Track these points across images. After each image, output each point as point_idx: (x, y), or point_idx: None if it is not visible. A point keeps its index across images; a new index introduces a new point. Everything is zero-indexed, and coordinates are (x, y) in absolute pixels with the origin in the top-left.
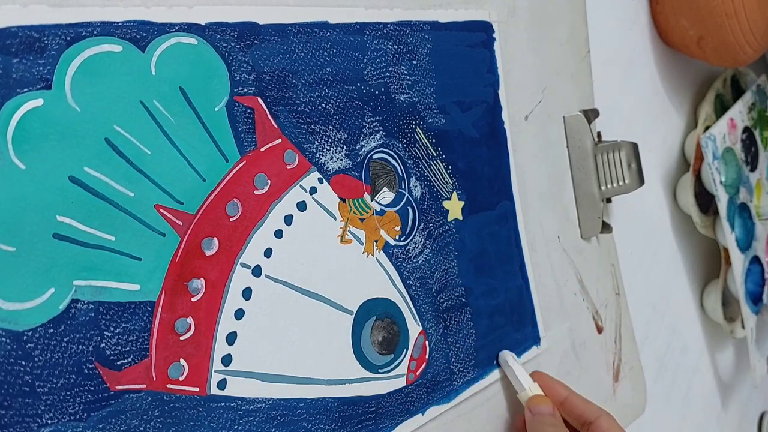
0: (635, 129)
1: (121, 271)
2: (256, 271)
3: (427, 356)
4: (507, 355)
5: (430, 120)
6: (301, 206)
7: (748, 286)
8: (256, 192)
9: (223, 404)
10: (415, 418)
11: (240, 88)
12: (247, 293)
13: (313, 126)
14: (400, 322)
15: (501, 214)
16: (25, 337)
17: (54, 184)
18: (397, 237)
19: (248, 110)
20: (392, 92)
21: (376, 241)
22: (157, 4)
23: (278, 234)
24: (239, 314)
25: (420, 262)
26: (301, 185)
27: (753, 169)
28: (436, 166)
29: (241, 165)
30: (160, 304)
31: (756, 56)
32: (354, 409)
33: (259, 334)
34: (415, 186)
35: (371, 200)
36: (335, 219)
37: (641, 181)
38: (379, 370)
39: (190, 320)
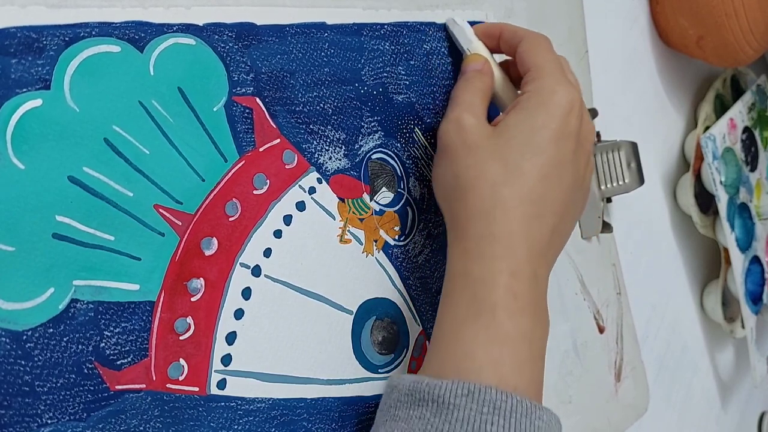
0: (635, 129)
1: (120, 271)
2: (256, 271)
3: None
4: (453, 18)
5: (428, 120)
6: (301, 206)
7: (748, 286)
8: (255, 192)
9: (222, 404)
10: None
11: (238, 89)
12: (246, 293)
13: (311, 126)
14: (400, 321)
15: None
16: (24, 337)
17: (53, 184)
18: (396, 237)
19: (247, 110)
20: (390, 92)
21: (376, 241)
22: (155, 5)
23: (277, 234)
24: (239, 314)
25: (420, 261)
26: (300, 185)
27: (753, 169)
28: None
29: (240, 165)
30: (160, 304)
31: (756, 56)
32: (354, 409)
33: (258, 334)
34: (414, 186)
35: (370, 200)
36: (334, 219)
37: (641, 180)
38: (379, 370)
39: (189, 320)
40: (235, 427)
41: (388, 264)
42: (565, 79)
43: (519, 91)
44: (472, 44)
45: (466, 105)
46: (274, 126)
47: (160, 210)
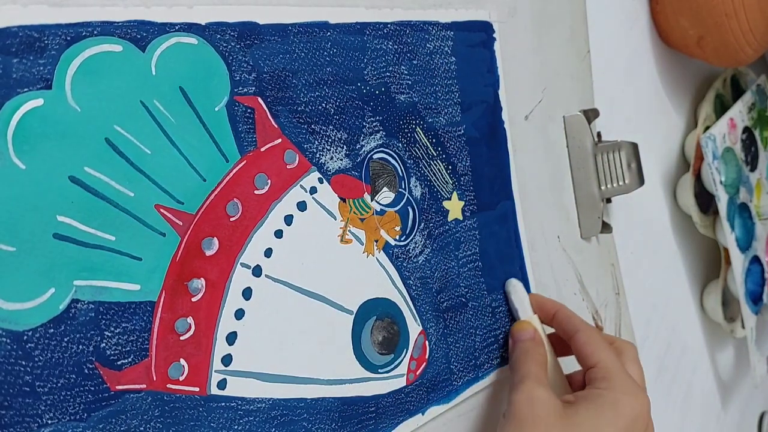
0: (635, 129)
1: (121, 271)
2: (257, 271)
3: (427, 356)
4: (514, 283)
5: (430, 120)
6: (302, 206)
7: (748, 286)
8: (256, 192)
9: (223, 404)
10: (415, 418)
11: (240, 88)
12: (247, 293)
13: (313, 126)
14: (400, 322)
15: (501, 214)
16: (25, 337)
17: (54, 184)
18: (397, 237)
19: (248, 110)
20: (392, 92)
21: (377, 241)
22: (158, 4)
23: (278, 234)
24: (239, 314)
25: (420, 262)
26: (301, 185)
27: (753, 169)
28: (436, 166)
29: (241, 165)
30: (160, 304)
31: (756, 56)
32: (354, 409)
33: (259, 334)
34: (416, 186)
35: (371, 200)
36: (335, 219)
37: (641, 181)
38: (379, 370)
39: (190, 320)
40: (236, 427)
41: (389, 264)
42: (636, 387)
43: (586, 385)
44: (527, 314)
45: (534, 377)
46: (276, 126)
47: (161, 210)
